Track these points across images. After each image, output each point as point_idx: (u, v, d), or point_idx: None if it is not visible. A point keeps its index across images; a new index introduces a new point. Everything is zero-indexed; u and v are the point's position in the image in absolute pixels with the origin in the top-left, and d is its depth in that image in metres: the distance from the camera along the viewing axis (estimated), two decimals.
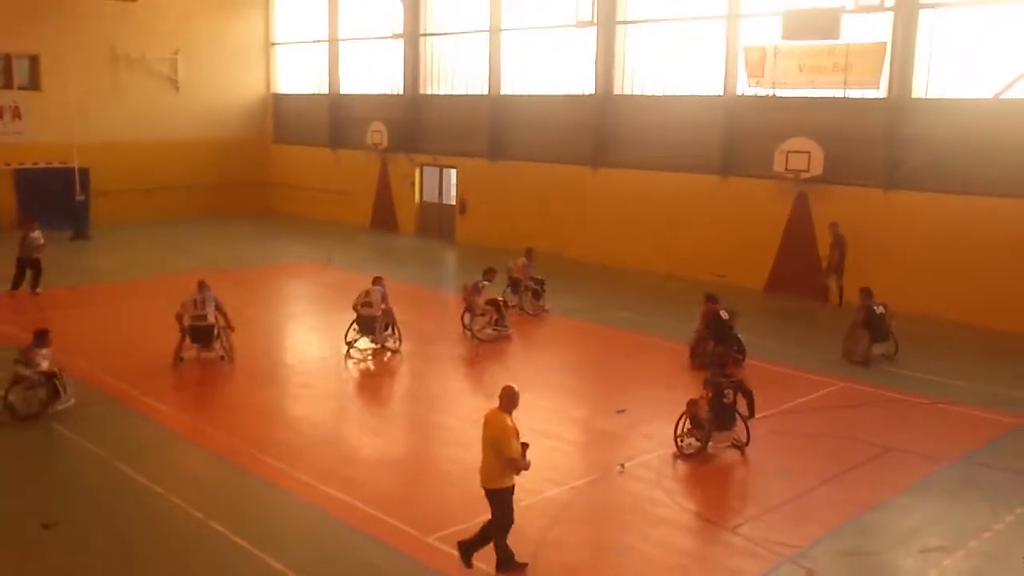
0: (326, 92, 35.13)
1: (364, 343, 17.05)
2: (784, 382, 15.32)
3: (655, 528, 10.15)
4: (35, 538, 9.68)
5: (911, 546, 9.86)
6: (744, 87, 23.29)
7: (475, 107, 29.67)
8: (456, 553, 9.07)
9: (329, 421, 13.70)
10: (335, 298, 22.14)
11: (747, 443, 12.21)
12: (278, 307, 21.30)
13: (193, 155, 34.43)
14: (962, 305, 19.74)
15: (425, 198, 32.19)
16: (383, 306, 16.80)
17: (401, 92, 32.08)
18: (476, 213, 29.87)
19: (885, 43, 20.70)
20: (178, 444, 12.52)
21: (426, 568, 9.18)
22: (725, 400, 11.98)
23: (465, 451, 12.46)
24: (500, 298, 18.50)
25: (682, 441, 12.16)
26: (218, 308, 16.09)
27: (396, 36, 31.62)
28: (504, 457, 8.70)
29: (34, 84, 31.18)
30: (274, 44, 37.20)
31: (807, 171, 21.58)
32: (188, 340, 15.88)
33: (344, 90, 34.71)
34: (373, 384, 16.20)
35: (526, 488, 9.84)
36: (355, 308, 16.91)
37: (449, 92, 31.14)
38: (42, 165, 30.54)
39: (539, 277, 20.31)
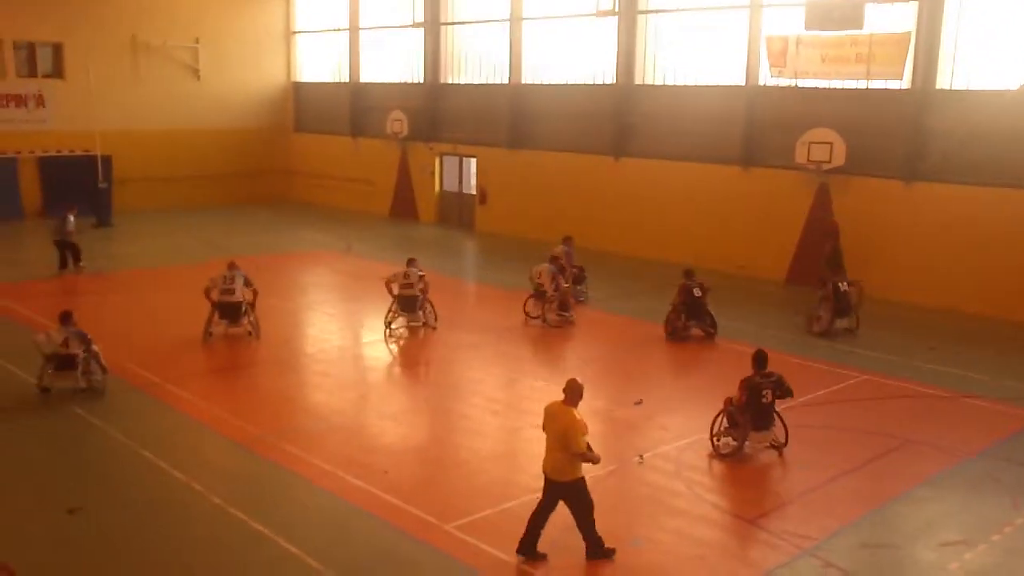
0: (347, 81, 35.21)
1: (399, 323, 17.60)
2: (804, 374, 15.25)
3: (673, 519, 10.16)
4: (60, 522, 9.81)
5: (931, 539, 9.83)
6: (766, 77, 23.14)
7: (495, 96, 29.63)
8: (518, 557, 9.03)
9: (348, 409, 13.77)
10: (354, 287, 22.27)
11: (786, 444, 11.81)
12: (297, 295, 21.39)
13: (214, 143, 34.65)
14: (986, 298, 19.57)
15: (445, 187, 32.24)
16: (421, 286, 17.43)
17: (421, 81, 32.10)
18: (496, 202, 29.87)
19: (909, 33, 20.47)
20: (199, 431, 12.64)
21: (444, 556, 9.23)
22: (763, 400, 11.51)
23: (484, 440, 12.54)
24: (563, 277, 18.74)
25: (718, 440, 11.82)
26: (248, 284, 16.75)
27: (417, 24, 31.61)
28: (571, 452, 8.71)
29: (57, 72, 31.49)
30: (295, 33, 37.28)
31: (829, 162, 21.43)
32: (217, 316, 16.40)
33: (364, 79, 34.76)
34: (393, 372, 16.28)
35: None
36: (389, 290, 17.38)
37: (469, 81, 31.11)
38: (65, 153, 30.91)
39: (579, 265, 20.57)
